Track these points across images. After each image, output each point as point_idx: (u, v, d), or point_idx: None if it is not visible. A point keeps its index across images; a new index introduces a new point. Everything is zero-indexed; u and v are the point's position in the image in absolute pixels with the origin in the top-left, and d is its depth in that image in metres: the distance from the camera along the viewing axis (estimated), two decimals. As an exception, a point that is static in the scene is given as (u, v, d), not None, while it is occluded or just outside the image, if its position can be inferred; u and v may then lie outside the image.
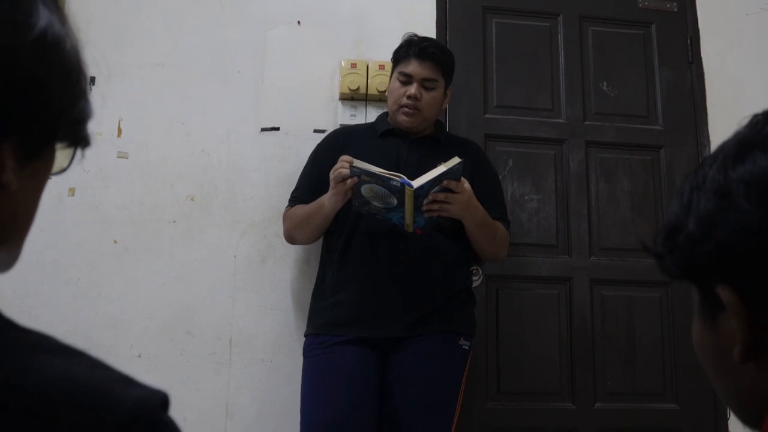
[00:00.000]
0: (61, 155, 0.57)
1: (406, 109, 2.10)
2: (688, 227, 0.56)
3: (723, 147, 0.57)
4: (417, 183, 1.84)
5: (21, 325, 0.51)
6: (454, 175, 1.89)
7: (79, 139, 0.57)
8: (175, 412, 0.52)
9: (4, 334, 0.49)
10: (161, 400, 0.51)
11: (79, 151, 0.58)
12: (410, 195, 1.84)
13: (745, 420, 0.58)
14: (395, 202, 1.88)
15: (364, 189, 1.89)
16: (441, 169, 1.87)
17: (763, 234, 0.51)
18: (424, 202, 1.88)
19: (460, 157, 1.95)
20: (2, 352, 0.47)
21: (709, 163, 0.57)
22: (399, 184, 1.83)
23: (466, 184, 1.94)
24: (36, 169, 0.54)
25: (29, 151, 0.52)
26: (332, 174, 1.93)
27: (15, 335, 0.50)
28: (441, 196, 1.90)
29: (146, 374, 2.18)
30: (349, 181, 1.89)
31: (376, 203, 1.91)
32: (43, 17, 0.51)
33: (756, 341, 0.52)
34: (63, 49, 0.53)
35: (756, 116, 0.57)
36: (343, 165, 1.89)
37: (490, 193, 2.17)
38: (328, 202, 1.99)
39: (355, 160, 1.89)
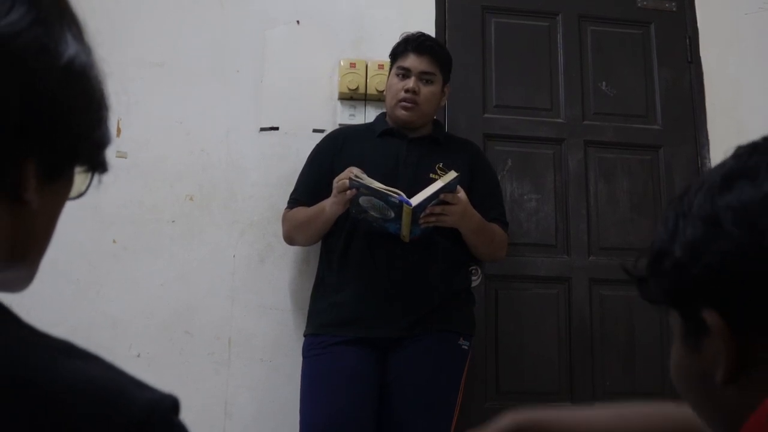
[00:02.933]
0: (79, 179, 0.59)
1: (405, 103, 2.10)
2: (675, 253, 0.57)
3: (706, 178, 0.59)
4: (415, 201, 1.85)
5: (40, 330, 0.53)
6: (451, 188, 1.90)
7: (98, 164, 0.59)
8: (175, 412, 0.54)
9: (25, 337, 0.52)
10: (172, 403, 0.53)
11: (96, 176, 0.61)
12: (408, 212, 1.85)
13: None
14: (392, 215, 1.89)
15: (363, 200, 1.90)
16: (438, 184, 1.88)
17: (752, 257, 0.53)
18: (421, 215, 1.89)
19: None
20: (25, 354, 0.50)
21: (694, 191, 0.58)
22: (397, 201, 1.84)
23: (462, 194, 1.94)
24: (56, 191, 0.57)
25: (50, 171, 0.55)
26: (335, 183, 1.94)
27: (35, 339, 0.53)
28: (438, 209, 1.91)
29: (145, 374, 2.18)
30: (348, 192, 1.89)
31: (373, 213, 1.92)
32: (72, 47, 0.55)
33: (740, 364, 0.54)
34: (87, 78, 0.57)
35: (740, 148, 0.59)
36: (347, 175, 1.90)
37: (489, 195, 2.17)
38: (329, 208, 1.99)
39: (355, 170, 1.89)
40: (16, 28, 0.50)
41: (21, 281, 0.60)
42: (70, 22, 0.56)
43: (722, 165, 0.58)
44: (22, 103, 0.51)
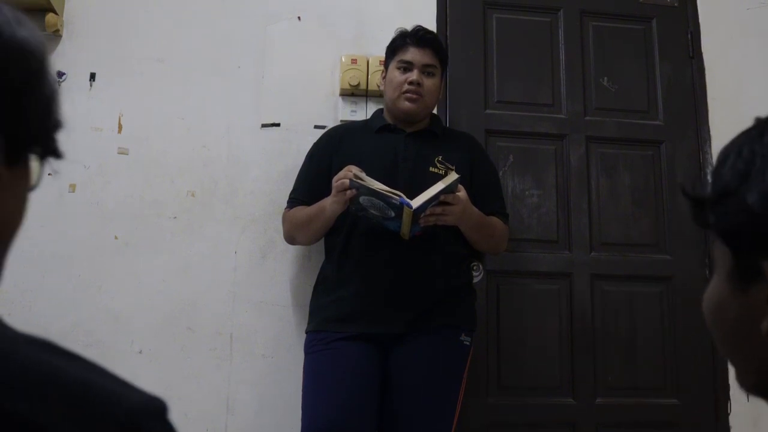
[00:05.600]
0: (35, 170, 0.59)
1: (410, 95, 2.10)
2: (746, 198, 0.54)
3: None
4: (416, 203, 1.84)
5: (23, 333, 0.52)
6: (452, 189, 1.90)
7: (51, 150, 0.59)
8: (176, 408, 0.53)
9: (4, 333, 0.51)
10: (161, 405, 0.51)
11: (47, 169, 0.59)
12: (409, 213, 1.85)
13: (757, 390, 0.58)
14: (392, 214, 1.89)
15: (363, 199, 1.90)
16: (440, 186, 1.88)
17: None
18: (421, 215, 1.89)
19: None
20: (6, 349, 0.49)
21: None
22: (398, 203, 1.84)
23: (462, 194, 1.94)
24: (18, 177, 0.56)
25: (11, 153, 0.54)
26: (334, 182, 1.94)
27: (16, 335, 0.51)
28: (438, 210, 1.91)
29: (147, 370, 2.19)
30: (348, 192, 1.89)
31: (373, 211, 1.92)
32: (7, 23, 0.55)
33: None
34: (30, 53, 0.56)
35: None
36: (346, 175, 1.89)
37: (488, 188, 2.17)
38: (329, 207, 1.99)
39: (354, 169, 1.89)
40: None
41: None
42: None
43: None
44: None
